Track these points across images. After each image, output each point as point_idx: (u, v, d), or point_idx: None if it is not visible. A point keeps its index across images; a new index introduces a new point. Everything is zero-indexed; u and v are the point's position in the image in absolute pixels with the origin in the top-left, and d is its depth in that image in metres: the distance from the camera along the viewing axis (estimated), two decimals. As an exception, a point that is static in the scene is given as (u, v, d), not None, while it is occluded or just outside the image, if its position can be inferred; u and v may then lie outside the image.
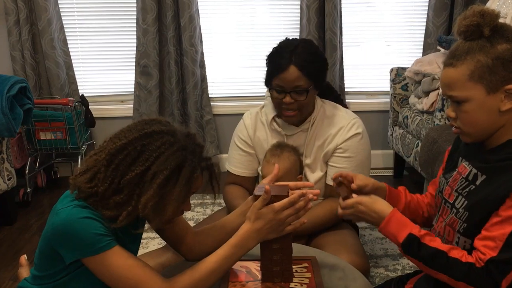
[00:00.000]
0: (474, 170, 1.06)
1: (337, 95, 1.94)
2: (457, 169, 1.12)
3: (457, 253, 1.02)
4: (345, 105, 1.89)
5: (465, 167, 1.09)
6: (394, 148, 2.93)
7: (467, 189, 1.06)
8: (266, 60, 1.73)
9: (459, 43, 1.04)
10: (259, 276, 1.18)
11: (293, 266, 1.18)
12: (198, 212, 2.59)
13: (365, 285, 1.23)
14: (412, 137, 2.65)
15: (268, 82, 1.72)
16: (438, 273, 1.03)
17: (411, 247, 1.05)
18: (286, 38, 1.75)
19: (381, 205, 1.12)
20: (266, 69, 1.73)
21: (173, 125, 1.10)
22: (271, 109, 1.78)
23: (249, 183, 1.83)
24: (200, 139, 1.13)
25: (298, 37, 3.05)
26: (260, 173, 1.75)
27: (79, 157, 2.84)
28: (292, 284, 1.15)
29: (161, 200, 1.03)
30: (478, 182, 1.04)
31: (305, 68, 1.63)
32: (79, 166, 2.82)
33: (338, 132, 1.72)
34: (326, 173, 1.74)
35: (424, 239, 1.04)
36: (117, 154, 1.04)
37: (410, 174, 3.01)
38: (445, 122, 2.21)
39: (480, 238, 1.01)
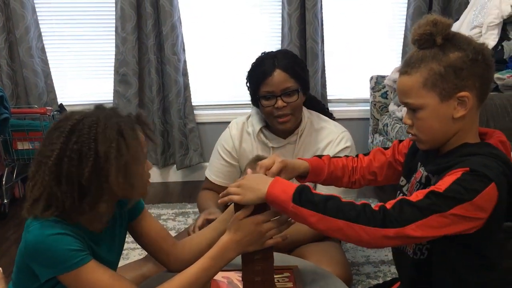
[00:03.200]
0: (425, 173, 1.08)
1: (323, 107, 1.92)
2: (414, 175, 1.13)
3: (376, 205, 1.00)
4: (332, 116, 1.87)
5: (421, 171, 1.11)
6: None
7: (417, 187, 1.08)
8: (248, 76, 1.72)
9: (413, 52, 1.04)
10: (241, 287, 1.17)
11: (275, 276, 1.17)
12: (179, 222, 2.57)
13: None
14: (392, 145, 2.67)
15: (255, 93, 1.69)
16: (333, 220, 0.98)
17: (304, 194, 1.00)
18: (262, 52, 1.75)
19: (267, 177, 1.09)
20: (248, 85, 1.72)
21: (77, 111, 1.07)
22: (258, 120, 1.75)
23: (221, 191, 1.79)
24: (109, 105, 1.15)
25: (280, 45, 3.07)
26: None
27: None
28: (274, 294, 1.15)
29: (126, 169, 1.01)
30: (431, 184, 1.04)
31: (289, 69, 1.64)
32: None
33: (327, 146, 1.69)
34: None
35: (314, 190, 1.02)
36: (59, 167, 1.00)
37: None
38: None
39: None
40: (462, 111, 1.01)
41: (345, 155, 1.36)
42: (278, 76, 1.63)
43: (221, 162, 1.81)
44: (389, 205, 0.98)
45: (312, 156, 1.49)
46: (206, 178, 1.86)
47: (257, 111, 1.75)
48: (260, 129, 1.74)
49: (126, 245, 2.26)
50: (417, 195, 0.98)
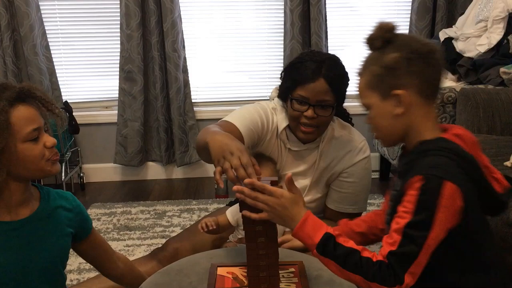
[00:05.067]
0: (396, 177, 1.13)
1: (344, 110, 1.83)
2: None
3: (369, 253, 1.02)
4: (351, 122, 1.81)
5: (395, 177, 1.16)
6: (379, 151, 2.95)
7: (393, 196, 1.12)
8: (287, 69, 1.61)
9: (365, 56, 1.13)
10: (246, 282, 1.17)
11: (280, 271, 1.18)
12: (184, 218, 2.58)
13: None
14: (397, 140, 2.66)
15: (289, 91, 1.56)
16: (352, 274, 1.01)
17: (327, 246, 1.03)
18: (310, 50, 1.63)
19: (300, 206, 1.10)
20: (283, 79, 1.61)
21: None
22: (283, 118, 1.63)
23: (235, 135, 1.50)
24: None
25: (282, 41, 3.06)
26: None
27: (63, 164, 2.81)
28: (279, 290, 1.15)
29: (2, 138, 0.99)
30: (398, 187, 1.08)
31: (333, 83, 1.53)
32: (63, 173, 2.78)
33: (346, 155, 1.64)
34: (325, 194, 1.69)
35: (339, 239, 1.04)
36: None
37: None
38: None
39: (386, 232, 1.04)
40: (400, 108, 1.06)
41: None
42: (320, 85, 1.52)
43: (253, 117, 1.59)
44: (393, 257, 0.99)
45: (328, 162, 1.45)
46: (224, 120, 1.58)
47: (283, 106, 1.64)
48: (285, 128, 1.63)
49: (131, 241, 2.30)
50: (393, 239, 1.00)
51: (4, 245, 1.08)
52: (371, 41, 1.09)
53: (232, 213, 1.59)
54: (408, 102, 1.05)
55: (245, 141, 1.54)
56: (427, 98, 1.07)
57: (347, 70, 1.63)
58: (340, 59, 1.68)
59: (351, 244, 1.04)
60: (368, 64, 1.10)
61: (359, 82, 1.13)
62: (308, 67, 1.54)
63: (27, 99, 1.05)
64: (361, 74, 1.12)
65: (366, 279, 1.00)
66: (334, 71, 1.56)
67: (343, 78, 1.60)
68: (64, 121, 1.13)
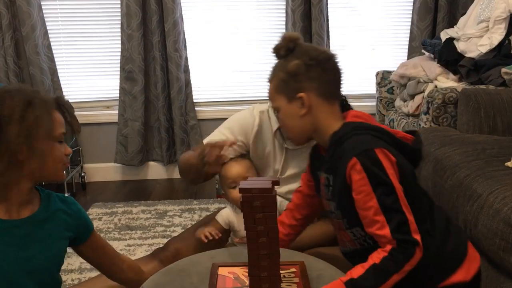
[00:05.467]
0: (325, 175, 1.20)
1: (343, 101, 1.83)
2: (320, 182, 1.25)
3: (377, 254, 1.08)
4: (349, 106, 1.81)
5: (322, 176, 1.23)
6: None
7: (330, 193, 1.19)
8: None
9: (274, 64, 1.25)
10: (247, 282, 1.17)
11: (281, 271, 1.17)
12: (186, 218, 2.58)
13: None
14: (398, 140, 2.66)
15: None
16: (389, 282, 1.06)
17: (359, 284, 1.06)
18: None
19: None
20: None
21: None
22: (276, 119, 1.65)
23: None
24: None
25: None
26: (223, 182, 1.64)
27: (64, 163, 2.80)
28: (280, 290, 1.15)
29: (28, 133, 1.05)
30: (331, 182, 1.17)
31: None
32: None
33: None
34: None
35: (352, 274, 1.08)
36: None
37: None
38: (431, 125, 2.23)
39: (366, 224, 1.11)
40: (304, 109, 1.19)
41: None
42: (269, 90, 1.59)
43: (228, 135, 1.66)
44: (395, 234, 1.07)
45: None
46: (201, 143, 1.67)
47: None
48: (278, 128, 1.65)
49: (132, 241, 2.31)
50: (377, 222, 1.08)
51: (2, 242, 1.09)
52: (277, 50, 1.22)
53: (223, 218, 1.67)
54: (309, 103, 1.19)
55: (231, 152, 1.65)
56: (328, 98, 1.20)
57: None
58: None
59: (361, 266, 1.08)
60: (275, 71, 1.23)
61: (269, 87, 1.25)
62: None
63: (60, 108, 1.16)
64: (270, 80, 1.24)
65: (398, 272, 1.05)
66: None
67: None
68: (75, 129, 1.22)
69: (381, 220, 1.07)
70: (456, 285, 1.16)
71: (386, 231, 1.06)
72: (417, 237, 1.07)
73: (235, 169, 1.62)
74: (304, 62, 1.18)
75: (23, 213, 1.12)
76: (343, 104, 1.81)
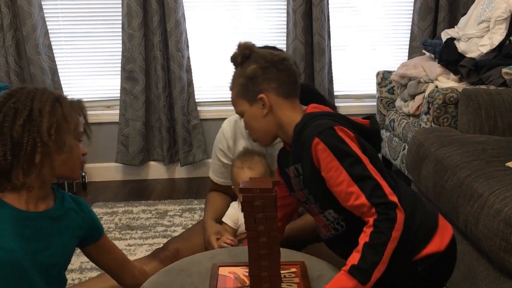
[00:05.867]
0: (293, 166, 1.25)
1: (319, 98, 1.80)
2: (289, 176, 1.29)
3: (363, 234, 1.10)
4: (332, 106, 1.82)
5: (291, 169, 1.27)
6: (381, 151, 2.95)
7: (301, 182, 1.24)
8: None
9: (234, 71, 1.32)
10: (247, 282, 1.17)
11: (281, 271, 1.17)
12: (186, 218, 2.58)
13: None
14: (399, 140, 2.66)
15: None
16: (387, 250, 1.07)
17: (360, 273, 1.07)
18: None
19: None
20: None
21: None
22: None
23: (230, 189, 1.78)
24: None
25: (285, 41, 3.06)
26: (233, 181, 1.68)
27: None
28: (280, 290, 1.15)
29: (58, 126, 1.09)
30: (301, 171, 1.22)
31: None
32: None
33: None
34: None
35: (352, 262, 1.08)
36: None
37: (397, 177, 3.02)
38: (431, 125, 2.23)
39: (343, 200, 1.14)
40: (265, 109, 1.26)
41: None
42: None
43: (218, 162, 1.77)
44: (372, 200, 1.10)
45: None
46: (210, 179, 1.84)
47: None
48: None
49: (133, 241, 2.31)
50: (353, 193, 1.12)
51: (17, 232, 1.10)
52: (234, 59, 1.29)
53: (230, 219, 1.69)
54: (270, 103, 1.26)
55: (228, 181, 1.75)
56: (287, 97, 1.27)
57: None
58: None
59: (356, 250, 1.09)
60: (235, 78, 1.30)
61: (231, 95, 1.32)
62: None
63: (80, 109, 1.21)
64: (231, 88, 1.32)
65: (390, 240, 1.07)
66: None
67: None
68: (88, 135, 1.25)
69: (355, 190, 1.10)
70: (431, 256, 1.20)
71: (363, 199, 1.10)
72: (394, 198, 1.10)
73: (246, 175, 1.60)
74: (261, 65, 1.26)
75: (40, 206, 1.15)
76: (315, 96, 1.85)
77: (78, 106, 1.21)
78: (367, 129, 1.25)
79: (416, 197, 1.27)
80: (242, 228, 1.66)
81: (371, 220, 1.09)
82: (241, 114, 1.31)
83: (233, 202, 1.73)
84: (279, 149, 1.39)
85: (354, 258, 1.09)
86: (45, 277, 1.15)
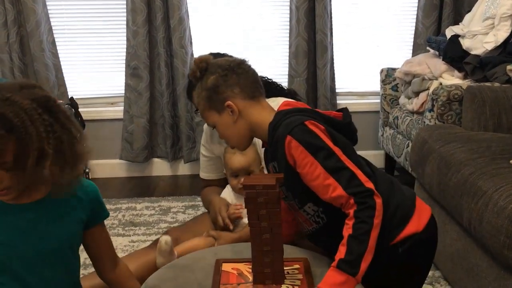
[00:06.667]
0: (271, 164, 1.29)
1: (278, 88, 1.88)
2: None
3: (346, 227, 1.11)
4: (283, 90, 1.87)
5: (270, 167, 1.31)
6: (384, 148, 2.94)
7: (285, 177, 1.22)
8: None
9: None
10: (251, 278, 1.17)
11: (285, 268, 1.18)
12: (189, 215, 2.58)
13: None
14: (403, 138, 2.66)
15: None
16: (371, 238, 1.09)
17: (349, 266, 1.08)
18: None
19: None
20: None
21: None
22: None
23: (220, 184, 1.91)
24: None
25: (288, 38, 3.06)
26: (225, 167, 1.78)
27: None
28: (283, 286, 1.15)
29: None
30: (277, 168, 1.24)
31: (191, 97, 1.73)
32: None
33: None
34: None
35: (339, 256, 1.09)
36: None
37: (401, 174, 3.02)
38: (435, 122, 2.22)
39: (321, 193, 1.15)
40: (234, 115, 1.28)
41: None
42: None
43: (202, 158, 1.94)
44: (351, 191, 1.12)
45: None
46: (200, 177, 1.99)
47: None
48: None
49: (136, 237, 2.32)
50: (330, 185, 1.14)
51: (11, 225, 1.09)
52: (193, 74, 1.30)
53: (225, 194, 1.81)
54: (237, 108, 1.27)
55: (215, 168, 1.92)
56: (252, 98, 1.29)
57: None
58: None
59: (342, 243, 1.10)
60: (198, 94, 1.31)
61: (199, 110, 1.34)
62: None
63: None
64: (198, 103, 1.33)
65: (373, 228, 1.09)
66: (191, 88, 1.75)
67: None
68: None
69: (332, 182, 1.12)
70: (410, 237, 1.21)
71: (340, 191, 1.12)
72: (370, 185, 1.12)
73: (238, 160, 1.71)
74: (220, 74, 1.28)
75: (34, 195, 1.11)
76: (274, 86, 1.89)
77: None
78: (340, 122, 1.27)
79: (392, 182, 1.29)
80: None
81: (351, 212, 1.11)
82: (213, 125, 1.33)
83: (227, 186, 1.81)
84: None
85: (341, 252, 1.10)
86: (55, 262, 1.14)
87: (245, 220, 1.69)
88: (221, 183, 1.89)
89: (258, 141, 1.72)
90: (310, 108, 1.30)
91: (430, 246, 1.29)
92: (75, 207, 1.17)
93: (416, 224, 1.23)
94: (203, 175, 1.97)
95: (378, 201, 1.11)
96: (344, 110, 1.31)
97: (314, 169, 1.14)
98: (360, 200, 1.11)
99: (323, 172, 1.13)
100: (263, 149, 1.41)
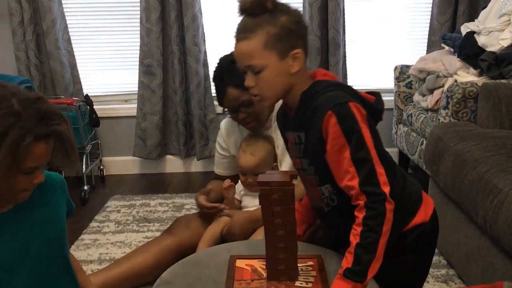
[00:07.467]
0: (295, 133, 1.22)
1: None
2: (288, 141, 1.28)
3: (354, 233, 1.09)
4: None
5: (291, 135, 1.24)
6: (398, 146, 2.92)
7: (301, 150, 1.21)
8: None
9: (246, 20, 1.15)
10: (265, 275, 1.18)
11: (299, 265, 1.18)
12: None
13: (370, 282, 1.22)
14: (417, 135, 2.64)
15: (220, 103, 1.83)
16: (380, 246, 1.08)
17: (356, 274, 1.07)
18: (222, 56, 1.85)
19: None
20: None
21: (11, 88, 0.98)
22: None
23: (234, 181, 1.95)
24: (51, 105, 1.01)
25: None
26: (238, 163, 1.85)
27: (84, 156, 2.85)
28: (297, 283, 1.15)
29: None
30: (303, 140, 1.19)
31: (240, 83, 1.64)
32: (83, 166, 2.82)
33: None
34: None
35: (346, 264, 1.08)
36: None
37: (415, 172, 3.00)
38: (450, 120, 2.21)
39: (339, 177, 1.13)
40: (297, 66, 1.16)
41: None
42: (231, 93, 1.74)
43: (217, 155, 2.00)
44: (364, 186, 1.10)
45: None
46: (213, 172, 2.08)
47: None
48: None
49: (150, 233, 2.33)
50: (348, 173, 1.11)
51: None
52: (263, 3, 1.13)
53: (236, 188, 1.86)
54: (302, 60, 1.17)
55: (229, 166, 1.98)
56: (307, 56, 1.20)
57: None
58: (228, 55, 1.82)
59: (349, 251, 1.09)
60: (260, 27, 1.13)
61: (247, 44, 1.14)
62: (216, 86, 1.81)
63: (50, 137, 1.00)
64: (249, 37, 1.14)
65: (381, 236, 1.07)
66: (235, 73, 1.65)
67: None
68: (71, 160, 1.06)
69: (352, 171, 1.10)
70: (418, 226, 1.23)
71: (355, 182, 1.09)
72: (386, 189, 1.09)
73: (246, 161, 1.75)
74: (295, 19, 1.16)
75: (7, 205, 1.07)
76: None
77: (48, 134, 0.98)
78: (372, 105, 1.21)
79: (405, 176, 1.29)
80: (244, 203, 1.85)
81: (360, 216, 1.09)
82: (261, 67, 1.15)
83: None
84: (278, 109, 1.35)
85: (348, 260, 1.09)
86: (48, 264, 1.11)
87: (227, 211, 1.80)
88: (233, 180, 1.92)
89: (278, 139, 1.73)
90: (348, 85, 1.23)
91: (434, 237, 1.30)
92: (56, 203, 1.13)
93: (423, 214, 1.24)
94: (217, 170, 2.05)
95: (390, 207, 1.09)
96: (377, 95, 1.25)
97: (342, 152, 1.11)
98: (370, 204, 1.09)
99: (349, 158, 1.10)
100: (275, 115, 1.39)
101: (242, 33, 1.15)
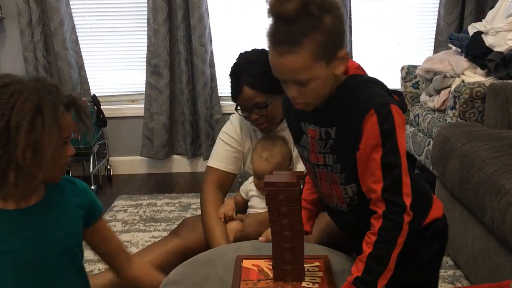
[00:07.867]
0: (323, 129, 1.12)
1: None
2: (307, 135, 1.16)
3: (367, 240, 1.07)
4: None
5: (313, 130, 1.14)
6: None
7: (328, 146, 1.12)
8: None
9: (285, 27, 0.99)
10: (271, 275, 1.18)
11: (305, 265, 1.18)
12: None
13: None
14: (424, 135, 2.63)
15: (233, 100, 1.79)
16: (392, 258, 1.06)
17: (366, 281, 1.06)
18: (243, 52, 1.80)
19: None
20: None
21: (16, 75, 1.03)
22: None
23: (229, 182, 1.86)
24: (53, 80, 1.08)
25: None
26: (249, 168, 1.81)
27: (91, 156, 2.87)
28: (304, 283, 1.15)
29: (36, 146, 0.98)
30: (333, 135, 1.11)
31: (256, 85, 1.67)
32: (91, 165, 2.84)
33: None
34: None
35: (356, 272, 1.07)
36: None
37: (422, 172, 2.99)
38: (457, 120, 2.20)
39: (364, 177, 1.09)
40: (343, 66, 1.06)
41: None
42: (247, 93, 1.69)
43: (226, 148, 1.83)
44: (386, 193, 1.06)
45: None
46: (209, 169, 1.84)
47: None
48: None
49: (157, 233, 2.34)
50: (373, 175, 1.07)
51: (13, 232, 1.07)
52: (308, 9, 0.96)
53: (243, 188, 1.83)
54: (347, 58, 1.07)
55: (236, 162, 1.84)
56: None
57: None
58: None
59: (360, 259, 1.08)
60: (306, 34, 0.98)
61: (296, 59, 0.99)
62: (234, 78, 1.74)
63: (71, 108, 1.08)
64: (297, 48, 0.99)
65: (395, 248, 1.05)
66: (252, 76, 1.68)
67: (265, 75, 1.57)
68: (90, 132, 1.15)
69: (378, 175, 1.06)
70: (434, 221, 1.22)
71: (379, 186, 1.06)
72: (407, 201, 1.06)
73: (262, 166, 1.70)
74: (336, 15, 1.01)
75: (30, 200, 1.09)
76: None
77: (69, 103, 1.07)
78: (398, 104, 1.12)
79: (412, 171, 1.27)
80: (252, 203, 1.81)
81: (377, 225, 1.06)
82: (307, 80, 1.03)
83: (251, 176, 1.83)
84: (284, 97, 1.21)
85: (359, 268, 1.07)
86: (64, 263, 1.13)
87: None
88: (230, 181, 1.86)
89: (291, 139, 1.71)
90: (383, 83, 1.15)
91: (446, 235, 1.28)
92: (72, 205, 1.15)
93: (436, 210, 1.23)
94: (219, 164, 1.83)
95: (407, 219, 1.06)
96: (401, 95, 1.17)
97: (374, 153, 1.06)
98: (389, 215, 1.05)
99: (378, 161, 1.05)
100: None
101: (285, 44, 0.99)
